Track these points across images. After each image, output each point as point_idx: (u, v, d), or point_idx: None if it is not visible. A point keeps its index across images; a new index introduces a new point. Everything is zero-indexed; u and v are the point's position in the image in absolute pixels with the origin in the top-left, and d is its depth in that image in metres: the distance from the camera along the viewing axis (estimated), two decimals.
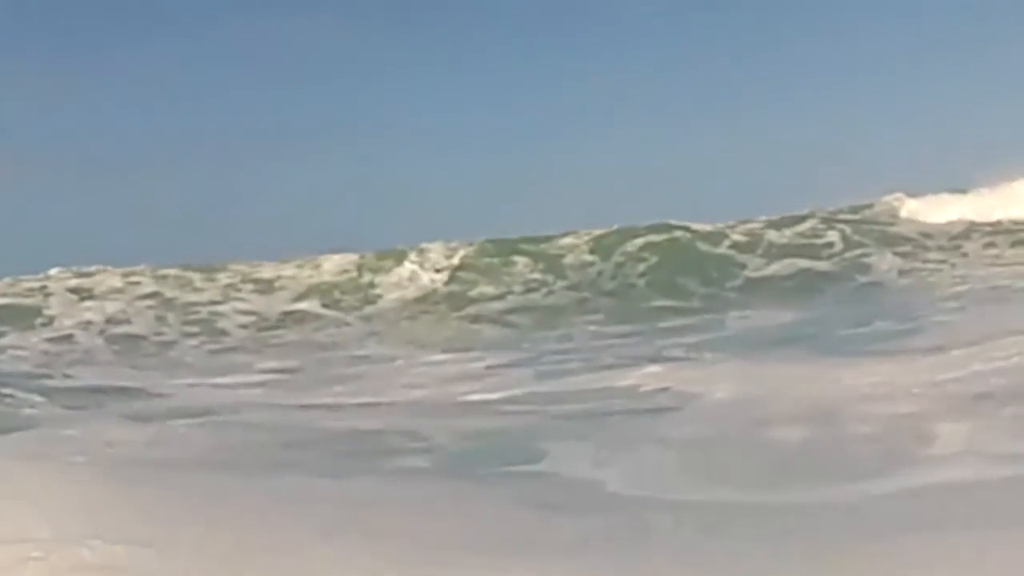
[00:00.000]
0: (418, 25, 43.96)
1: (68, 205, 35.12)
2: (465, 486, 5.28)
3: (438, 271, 24.68)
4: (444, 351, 16.96)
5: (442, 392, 10.68)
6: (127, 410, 10.13)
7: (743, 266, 24.59)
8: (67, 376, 14.14)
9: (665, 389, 9.13)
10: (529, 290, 24.48)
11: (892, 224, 25.74)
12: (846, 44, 48.24)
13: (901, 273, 22.86)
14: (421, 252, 25.55)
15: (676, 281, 24.25)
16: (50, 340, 22.29)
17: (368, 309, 23.97)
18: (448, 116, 43.63)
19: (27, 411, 9.33)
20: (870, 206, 26.96)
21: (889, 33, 46.83)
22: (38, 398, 10.42)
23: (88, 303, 24.31)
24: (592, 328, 19.65)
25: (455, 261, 25.19)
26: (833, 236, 25.05)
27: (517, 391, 10.31)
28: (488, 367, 13.49)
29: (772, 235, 25.71)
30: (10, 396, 10.32)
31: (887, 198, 27.06)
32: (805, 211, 26.55)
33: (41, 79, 38.63)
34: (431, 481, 5.46)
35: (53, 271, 25.75)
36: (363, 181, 39.64)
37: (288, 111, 42.49)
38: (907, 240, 24.69)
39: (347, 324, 22.97)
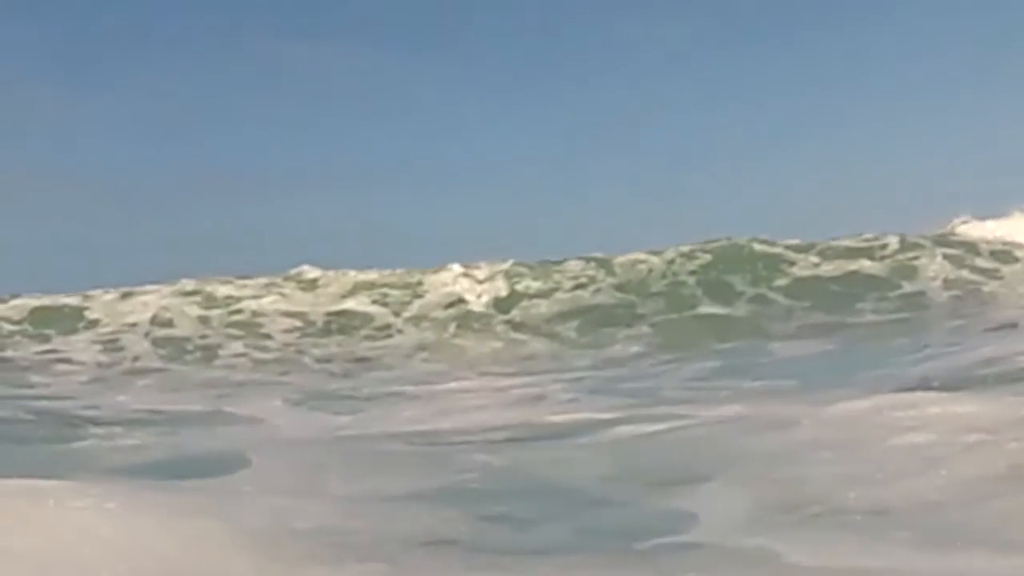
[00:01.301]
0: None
1: (93, 230, 35.76)
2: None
3: (483, 281, 25.27)
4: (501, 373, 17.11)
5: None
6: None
7: (792, 263, 25.09)
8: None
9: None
10: (578, 286, 25.05)
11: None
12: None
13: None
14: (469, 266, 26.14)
15: (724, 279, 24.80)
16: (98, 345, 22.97)
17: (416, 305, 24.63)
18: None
19: None
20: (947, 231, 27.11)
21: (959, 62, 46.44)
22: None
23: (130, 303, 25.07)
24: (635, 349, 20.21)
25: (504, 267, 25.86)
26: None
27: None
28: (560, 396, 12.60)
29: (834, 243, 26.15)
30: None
31: (957, 220, 27.29)
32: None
33: (63, 103, 39.23)
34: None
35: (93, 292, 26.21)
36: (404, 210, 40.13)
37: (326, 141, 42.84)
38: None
39: (399, 331, 23.64)
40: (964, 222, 26.82)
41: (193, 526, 4.30)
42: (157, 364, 21.69)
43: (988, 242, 25.30)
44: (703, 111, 43.88)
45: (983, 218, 26.88)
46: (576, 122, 42.96)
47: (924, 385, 9.27)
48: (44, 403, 13.04)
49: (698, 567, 4.19)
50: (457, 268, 25.48)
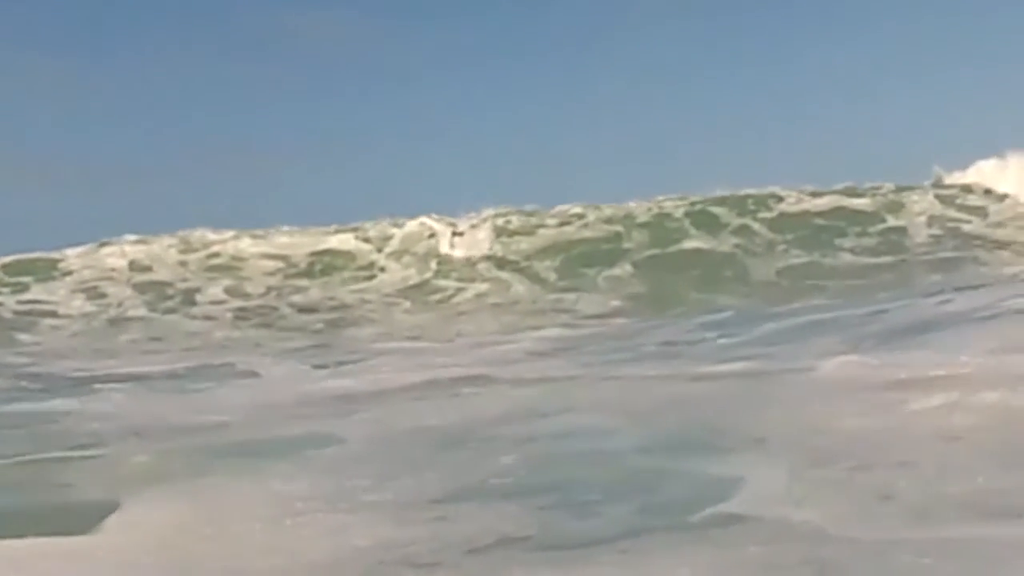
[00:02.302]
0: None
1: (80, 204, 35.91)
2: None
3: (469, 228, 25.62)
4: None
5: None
6: None
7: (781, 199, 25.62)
8: None
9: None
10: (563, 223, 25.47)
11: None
12: None
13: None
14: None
15: (711, 211, 25.33)
16: (79, 293, 23.33)
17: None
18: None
19: None
20: None
21: None
22: None
23: (108, 249, 25.40)
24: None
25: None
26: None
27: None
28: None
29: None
30: None
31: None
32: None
33: (59, 75, 39.19)
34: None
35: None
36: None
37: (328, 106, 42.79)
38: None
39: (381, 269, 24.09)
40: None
41: None
42: (142, 312, 22.33)
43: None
44: (697, 73, 43.71)
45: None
46: (572, 87, 42.90)
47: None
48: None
49: (754, 540, 4.13)
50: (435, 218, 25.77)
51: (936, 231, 23.85)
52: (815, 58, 45.98)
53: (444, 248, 24.57)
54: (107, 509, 5.02)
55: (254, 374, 11.72)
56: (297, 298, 22.99)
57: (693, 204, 25.67)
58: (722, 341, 11.09)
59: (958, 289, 13.17)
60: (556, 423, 6.89)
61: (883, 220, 24.50)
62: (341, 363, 12.31)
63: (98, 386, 10.56)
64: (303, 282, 24.04)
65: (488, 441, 6.42)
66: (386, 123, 41.76)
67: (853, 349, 8.80)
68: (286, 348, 16.27)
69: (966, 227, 24.09)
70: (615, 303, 20.51)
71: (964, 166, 27.05)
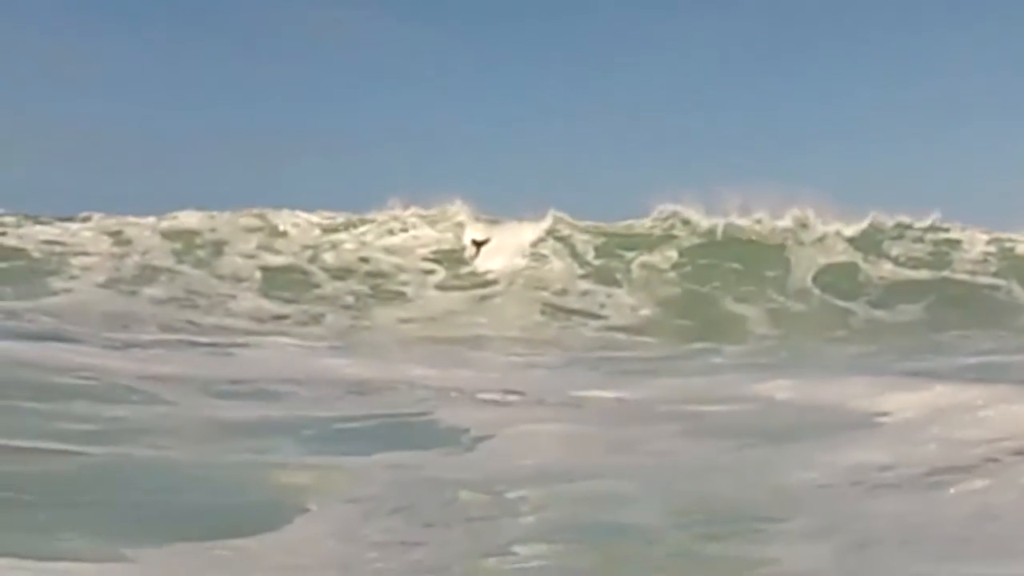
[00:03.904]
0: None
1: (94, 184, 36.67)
2: None
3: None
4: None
5: None
6: None
7: None
8: None
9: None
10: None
11: None
12: None
13: None
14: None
15: None
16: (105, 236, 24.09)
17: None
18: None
19: None
20: None
21: None
22: None
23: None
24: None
25: None
26: None
27: None
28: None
29: None
30: None
31: None
32: None
33: (69, 55, 39.93)
34: None
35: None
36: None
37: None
38: None
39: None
40: None
41: None
42: (169, 263, 23.14)
43: None
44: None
45: None
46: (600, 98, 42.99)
47: None
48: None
49: None
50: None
51: None
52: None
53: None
54: None
55: None
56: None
57: None
58: None
59: None
60: None
61: None
62: None
63: None
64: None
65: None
66: (393, 121, 41.99)
67: None
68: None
69: None
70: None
71: None
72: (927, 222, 24.75)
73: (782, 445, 7.77)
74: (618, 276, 22.94)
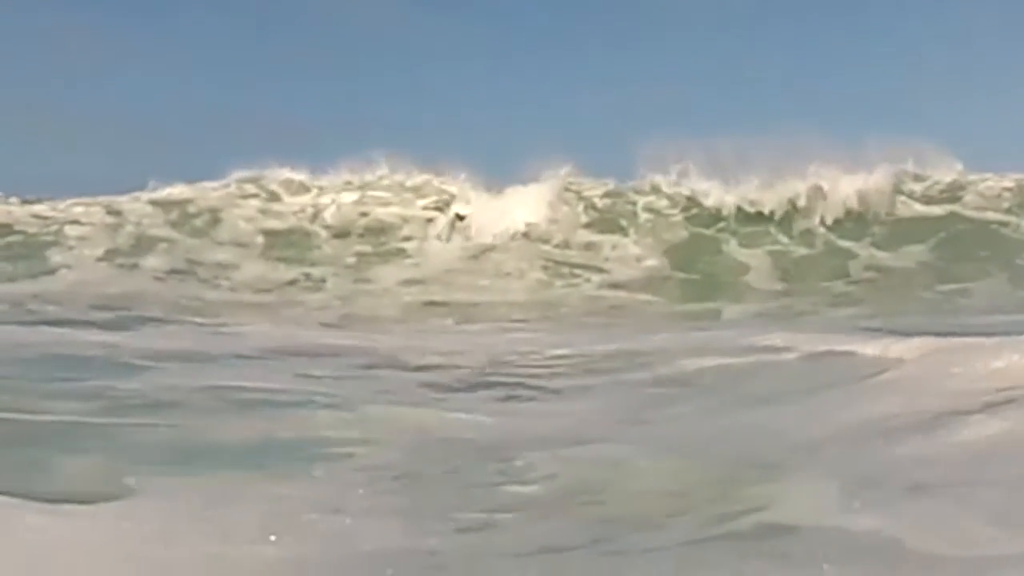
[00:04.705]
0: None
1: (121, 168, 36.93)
2: None
3: None
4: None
5: None
6: None
7: None
8: None
9: None
10: None
11: None
12: None
13: None
14: None
15: None
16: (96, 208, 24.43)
17: None
18: None
19: None
20: None
21: None
22: None
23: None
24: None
25: None
26: None
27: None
28: None
29: None
30: None
31: None
32: None
33: (96, 37, 40.07)
34: None
35: None
36: None
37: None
38: None
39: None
40: None
41: None
42: (164, 232, 23.46)
43: None
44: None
45: None
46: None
47: None
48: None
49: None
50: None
51: None
52: None
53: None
54: None
55: None
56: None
57: None
58: None
59: None
60: None
61: None
62: None
63: None
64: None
65: None
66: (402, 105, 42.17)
67: None
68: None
69: None
70: None
71: None
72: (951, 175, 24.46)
73: (787, 399, 7.98)
74: (624, 223, 23.26)
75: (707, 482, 5.54)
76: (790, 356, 9.73)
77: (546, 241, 22.42)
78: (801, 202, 22.94)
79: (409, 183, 24.88)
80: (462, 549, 4.71)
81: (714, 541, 4.52)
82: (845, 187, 23.10)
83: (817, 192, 23.11)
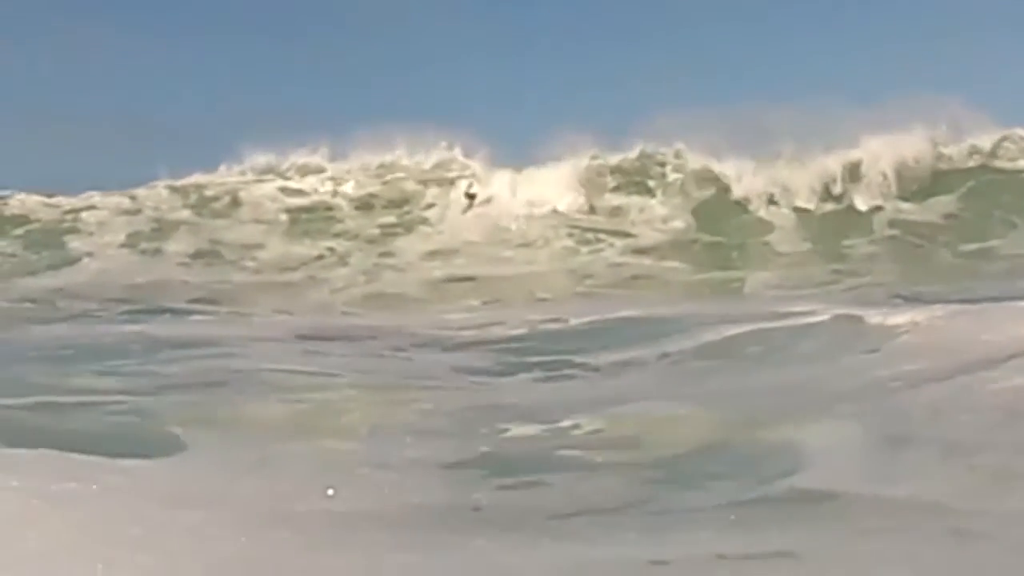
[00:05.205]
0: None
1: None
2: None
3: None
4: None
5: None
6: None
7: None
8: None
9: None
10: None
11: None
12: None
13: None
14: None
15: None
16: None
17: None
18: None
19: None
20: None
21: None
22: None
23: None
24: None
25: None
26: None
27: None
28: None
29: None
30: None
31: None
32: None
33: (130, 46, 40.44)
34: None
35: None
36: None
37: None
38: None
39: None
40: None
41: None
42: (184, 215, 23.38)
43: None
44: None
45: None
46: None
47: None
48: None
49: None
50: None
51: None
52: None
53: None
54: None
55: None
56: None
57: None
58: None
59: None
60: None
61: None
62: None
63: None
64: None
65: None
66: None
67: None
68: None
69: None
70: None
71: None
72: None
73: (816, 361, 8.56)
74: (651, 184, 23.24)
75: (746, 443, 5.88)
76: (817, 324, 10.02)
77: (572, 210, 22.47)
78: (836, 187, 22.40)
79: (428, 164, 24.67)
80: (508, 506, 4.97)
81: (753, 504, 4.79)
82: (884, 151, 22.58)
83: (854, 169, 22.46)
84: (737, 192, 22.47)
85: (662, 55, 40.51)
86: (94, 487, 4.76)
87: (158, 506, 4.68)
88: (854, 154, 22.39)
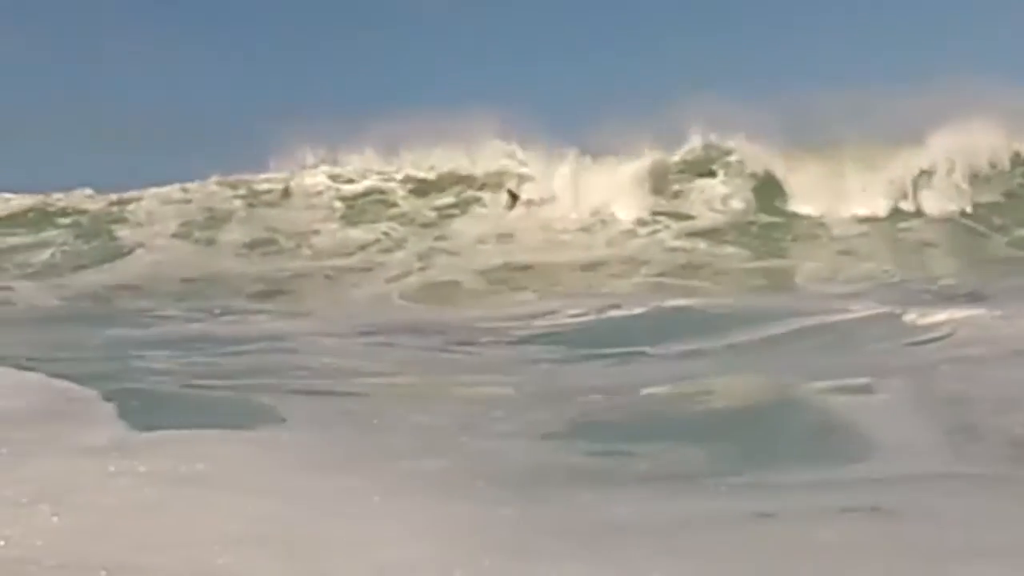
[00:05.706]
0: None
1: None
2: None
3: None
4: None
5: None
6: None
7: None
8: None
9: None
10: None
11: None
12: None
13: None
14: None
15: None
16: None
17: None
18: None
19: None
20: None
21: None
22: None
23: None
24: None
25: None
26: None
27: None
28: None
29: None
30: None
31: None
32: None
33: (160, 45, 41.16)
34: None
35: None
36: None
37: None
38: None
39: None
40: None
41: None
42: (236, 205, 23.51)
43: None
44: None
45: None
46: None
47: None
48: None
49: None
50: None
51: None
52: None
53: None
54: None
55: None
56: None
57: None
58: None
59: None
60: None
61: None
62: None
63: None
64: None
65: None
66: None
67: None
68: None
69: None
70: None
71: None
72: None
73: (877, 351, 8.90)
74: (713, 167, 23.11)
75: (812, 428, 6.09)
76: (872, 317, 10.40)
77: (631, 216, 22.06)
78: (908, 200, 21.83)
79: (482, 158, 24.45)
80: (596, 470, 5.28)
81: (839, 465, 5.16)
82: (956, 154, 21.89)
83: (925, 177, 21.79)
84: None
85: (707, 44, 40.79)
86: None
87: (297, 473, 4.98)
88: (923, 156, 21.77)
